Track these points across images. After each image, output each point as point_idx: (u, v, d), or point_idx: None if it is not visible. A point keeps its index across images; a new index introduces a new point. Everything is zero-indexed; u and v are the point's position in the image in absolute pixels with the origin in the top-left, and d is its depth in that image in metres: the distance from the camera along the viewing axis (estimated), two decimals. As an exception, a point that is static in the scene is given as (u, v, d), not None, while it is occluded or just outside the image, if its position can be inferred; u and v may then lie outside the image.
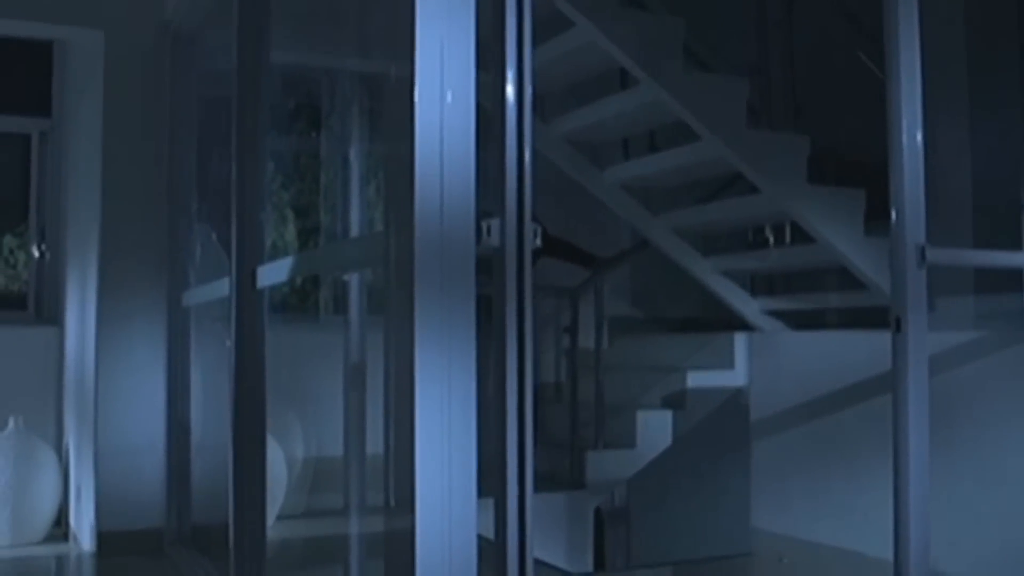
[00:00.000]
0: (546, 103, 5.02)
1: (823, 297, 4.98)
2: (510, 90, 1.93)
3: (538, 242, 1.88)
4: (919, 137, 2.65)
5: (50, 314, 5.20)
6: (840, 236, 4.16)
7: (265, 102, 3.26)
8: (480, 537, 1.85)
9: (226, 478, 3.14)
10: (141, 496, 4.33)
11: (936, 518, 2.60)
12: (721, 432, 4.50)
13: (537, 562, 1.99)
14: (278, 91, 5.19)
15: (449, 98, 1.84)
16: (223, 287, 3.31)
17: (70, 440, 4.81)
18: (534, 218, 1.90)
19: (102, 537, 4.26)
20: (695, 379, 4.51)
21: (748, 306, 4.93)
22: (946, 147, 4.45)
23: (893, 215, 2.64)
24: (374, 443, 3.90)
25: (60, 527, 4.64)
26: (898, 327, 2.59)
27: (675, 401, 4.51)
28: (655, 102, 4.17)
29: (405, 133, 1.84)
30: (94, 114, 4.54)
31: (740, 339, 4.65)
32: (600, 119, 4.67)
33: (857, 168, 4.42)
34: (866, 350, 3.84)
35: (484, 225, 1.84)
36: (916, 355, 2.57)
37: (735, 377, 4.59)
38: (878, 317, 2.90)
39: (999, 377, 3.66)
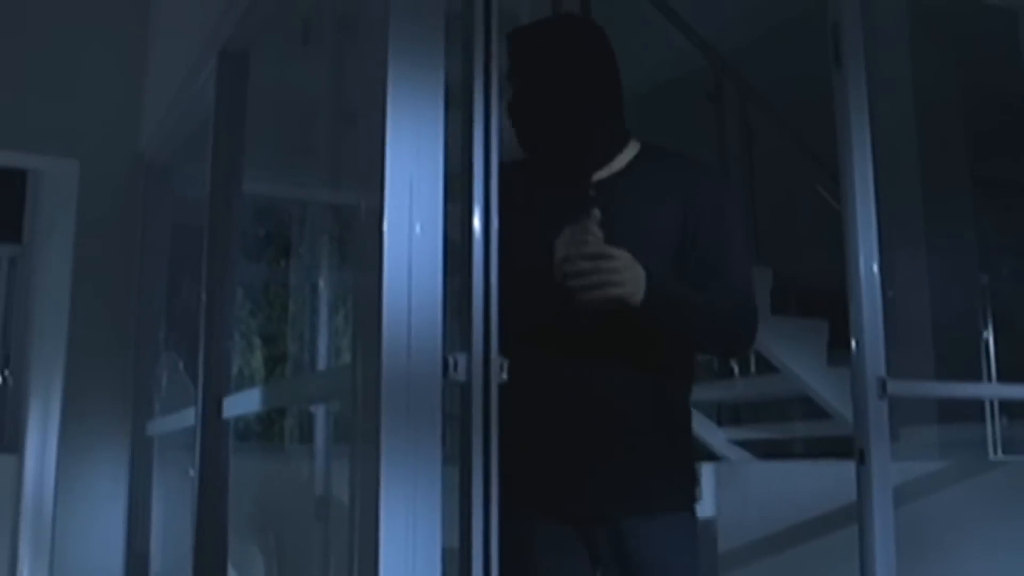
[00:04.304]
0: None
1: (789, 426, 5.00)
2: (477, 223, 1.95)
3: (504, 376, 1.86)
4: (875, 268, 2.69)
5: (10, 442, 5.12)
6: (803, 366, 4.20)
7: (236, 231, 3.29)
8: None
9: (185, 612, 3.07)
10: (97, 630, 4.21)
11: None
12: (690, 563, 4.44)
13: None
14: (249, 220, 5.26)
15: (418, 229, 1.85)
16: (188, 417, 3.28)
17: (24, 570, 4.68)
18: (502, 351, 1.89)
19: (55, 674, 4.13)
20: (663, 509, 4.46)
21: (715, 436, 4.93)
22: (905, 278, 4.55)
23: (853, 346, 2.67)
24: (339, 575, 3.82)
25: (11, 664, 4.49)
26: (861, 459, 2.60)
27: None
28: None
29: (373, 263, 1.84)
30: (65, 242, 4.55)
31: (707, 469, 4.63)
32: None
33: (819, 298, 4.50)
34: (833, 479, 3.83)
35: (451, 359, 1.82)
36: (880, 487, 2.58)
37: (703, 508, 4.55)
38: (844, 446, 2.91)
39: (964, 506, 3.67)
